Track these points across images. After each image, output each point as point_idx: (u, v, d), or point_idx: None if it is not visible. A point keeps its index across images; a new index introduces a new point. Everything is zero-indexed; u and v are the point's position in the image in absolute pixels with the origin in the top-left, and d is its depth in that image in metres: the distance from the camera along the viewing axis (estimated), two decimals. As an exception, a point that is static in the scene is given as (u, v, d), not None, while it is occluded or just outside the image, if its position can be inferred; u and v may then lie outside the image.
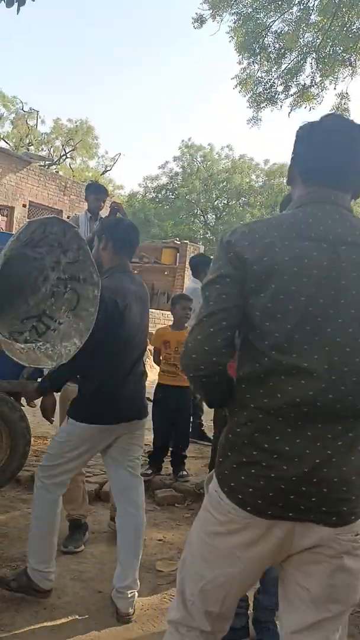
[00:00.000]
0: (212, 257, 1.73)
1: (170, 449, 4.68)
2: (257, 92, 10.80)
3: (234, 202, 32.66)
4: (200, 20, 10.16)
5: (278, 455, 1.30)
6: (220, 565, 1.39)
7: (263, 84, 10.71)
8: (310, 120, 1.46)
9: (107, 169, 33.16)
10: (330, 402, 1.28)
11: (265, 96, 10.78)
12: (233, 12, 9.97)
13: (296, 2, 9.71)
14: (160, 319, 12.84)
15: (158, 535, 3.53)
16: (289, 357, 1.29)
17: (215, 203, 33.21)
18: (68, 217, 17.98)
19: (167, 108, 61.04)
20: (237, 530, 1.35)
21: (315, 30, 9.95)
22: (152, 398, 3.87)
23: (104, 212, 5.28)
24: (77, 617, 2.57)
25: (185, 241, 20.22)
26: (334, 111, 10.61)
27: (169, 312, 5.19)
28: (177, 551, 3.29)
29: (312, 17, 9.82)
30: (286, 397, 1.29)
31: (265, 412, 1.32)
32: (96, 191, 5.21)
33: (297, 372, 1.29)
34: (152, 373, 3.75)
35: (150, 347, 4.52)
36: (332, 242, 1.33)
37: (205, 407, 5.62)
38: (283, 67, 10.47)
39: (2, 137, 29.34)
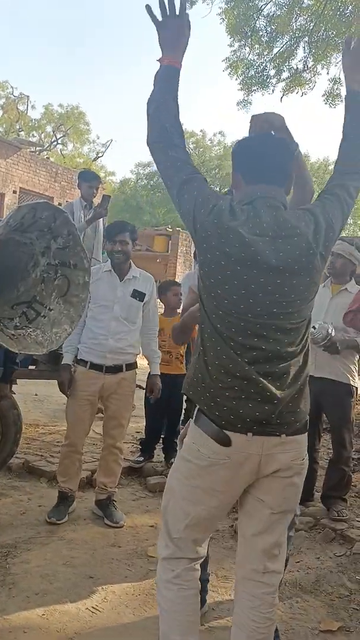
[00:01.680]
0: None
1: (162, 435, 4.68)
2: (249, 75, 10.68)
3: (226, 188, 32.33)
4: (190, 1, 9.99)
5: (249, 382, 1.68)
6: (203, 501, 1.75)
7: (255, 67, 10.59)
8: (242, 138, 1.87)
9: (99, 155, 32.94)
10: (275, 352, 1.71)
11: (256, 79, 10.67)
12: (224, -7, 9.82)
13: (289, -15, 9.59)
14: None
15: (150, 522, 3.55)
16: (245, 316, 1.69)
17: (208, 190, 33.01)
18: (59, 204, 17.87)
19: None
20: (215, 470, 1.70)
21: (308, 14, 9.83)
22: (144, 386, 3.86)
23: (96, 200, 5.25)
24: (68, 602, 2.58)
25: (178, 228, 20.09)
26: (325, 96, 10.56)
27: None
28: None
29: (305, 0, 9.71)
30: (243, 349, 1.71)
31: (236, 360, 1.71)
32: (89, 179, 5.19)
33: (252, 332, 1.70)
34: (144, 360, 3.75)
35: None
36: (272, 237, 1.69)
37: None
38: (275, 50, 10.35)
39: (-8, 122, 28.99)
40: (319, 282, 1.80)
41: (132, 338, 3.45)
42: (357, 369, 3.80)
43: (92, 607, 2.57)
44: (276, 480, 1.74)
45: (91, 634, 2.37)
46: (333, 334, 3.49)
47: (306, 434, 1.81)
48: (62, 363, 3.45)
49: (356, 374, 3.78)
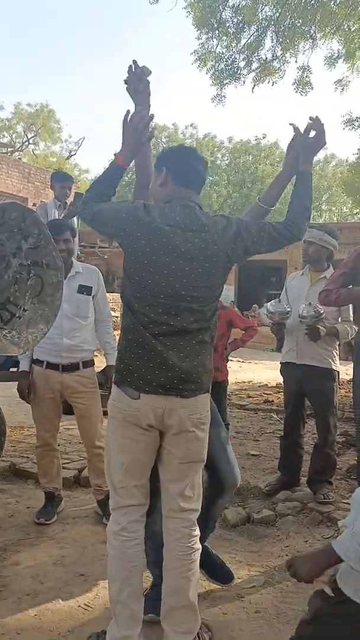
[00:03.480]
0: None
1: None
2: (219, 68, 10.68)
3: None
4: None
5: (154, 353, 2.03)
6: (131, 448, 2.10)
7: (224, 60, 10.59)
8: (172, 146, 2.30)
9: (72, 153, 32.68)
10: (183, 327, 2.05)
11: (227, 72, 10.67)
12: (189, -14, 9.80)
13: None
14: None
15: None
16: (157, 298, 2.04)
17: (183, 183, 32.91)
18: (34, 205, 17.72)
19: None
20: (131, 420, 2.07)
21: (274, 3, 9.86)
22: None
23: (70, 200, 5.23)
24: (60, 601, 2.58)
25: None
26: (296, 85, 10.61)
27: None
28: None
29: (270, -11, 9.72)
30: (155, 324, 2.05)
31: (145, 334, 2.05)
32: (61, 179, 5.16)
33: (162, 309, 2.04)
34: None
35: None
36: (183, 229, 2.07)
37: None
38: (243, 42, 10.36)
39: None
40: (223, 276, 2.15)
41: (86, 333, 3.44)
42: (337, 353, 3.85)
43: (85, 605, 2.58)
44: (181, 435, 2.10)
45: (84, 630, 2.38)
46: (324, 313, 3.55)
47: (206, 395, 2.15)
48: (20, 370, 3.44)
49: (337, 358, 3.83)
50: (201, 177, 2.23)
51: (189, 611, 2.15)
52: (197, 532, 2.19)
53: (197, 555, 2.18)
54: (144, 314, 2.05)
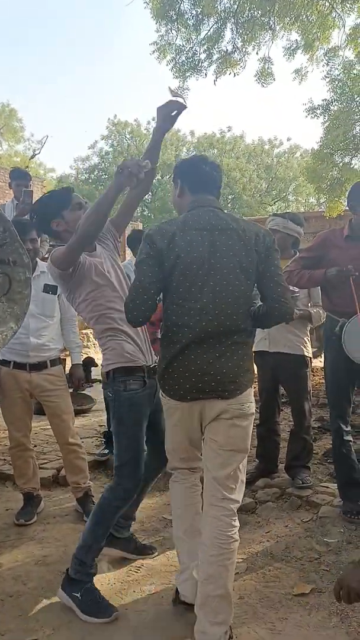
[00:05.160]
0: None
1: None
2: (180, 61, 10.64)
3: (167, 177, 32.38)
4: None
5: (188, 362, 2.19)
6: (173, 433, 2.39)
7: (185, 52, 10.56)
8: (186, 158, 2.48)
9: (36, 152, 32.23)
10: (216, 327, 2.17)
11: (188, 65, 10.64)
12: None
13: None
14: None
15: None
16: (189, 303, 2.17)
17: (150, 179, 32.77)
18: (-1, 205, 17.44)
19: (93, 88, 59.54)
20: (174, 412, 2.31)
21: (232, -6, 9.85)
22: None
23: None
24: (44, 600, 2.57)
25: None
26: (257, 76, 10.64)
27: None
28: (140, 525, 3.32)
29: (227, -19, 9.72)
30: (189, 328, 2.18)
31: (180, 340, 2.19)
32: (16, 177, 5.08)
33: (195, 312, 2.16)
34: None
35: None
36: (209, 230, 2.21)
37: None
38: (203, 33, 10.35)
39: None
40: (255, 274, 2.24)
41: (53, 332, 3.47)
42: (309, 340, 3.89)
43: (69, 603, 2.56)
44: (221, 422, 2.22)
45: (70, 628, 2.37)
46: (299, 293, 3.56)
47: (248, 391, 2.25)
48: None
49: (309, 345, 3.87)
50: (217, 182, 2.37)
51: (225, 601, 2.16)
52: (237, 522, 2.24)
53: (236, 546, 2.21)
54: (183, 324, 2.18)
